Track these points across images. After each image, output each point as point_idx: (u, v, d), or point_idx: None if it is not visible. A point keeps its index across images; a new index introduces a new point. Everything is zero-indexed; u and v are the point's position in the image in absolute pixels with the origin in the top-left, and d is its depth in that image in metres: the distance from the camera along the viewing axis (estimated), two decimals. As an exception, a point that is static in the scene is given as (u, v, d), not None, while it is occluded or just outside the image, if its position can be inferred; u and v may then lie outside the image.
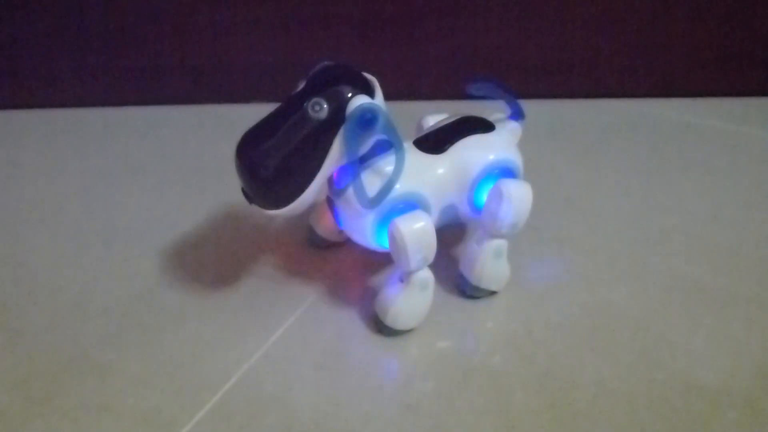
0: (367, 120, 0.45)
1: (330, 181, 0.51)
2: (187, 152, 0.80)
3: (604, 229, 0.65)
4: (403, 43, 0.86)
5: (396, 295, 0.51)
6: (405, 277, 0.51)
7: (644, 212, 0.67)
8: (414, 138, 0.54)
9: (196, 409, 0.47)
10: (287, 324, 0.54)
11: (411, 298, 0.51)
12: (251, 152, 0.45)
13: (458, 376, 0.49)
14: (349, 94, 0.45)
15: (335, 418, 0.46)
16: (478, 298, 0.55)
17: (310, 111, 0.45)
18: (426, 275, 0.51)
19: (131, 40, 0.86)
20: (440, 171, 0.51)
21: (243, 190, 0.47)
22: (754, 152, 0.79)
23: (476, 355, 0.51)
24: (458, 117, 0.56)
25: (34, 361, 0.51)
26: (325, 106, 0.45)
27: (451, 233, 0.62)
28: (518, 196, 0.51)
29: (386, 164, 0.49)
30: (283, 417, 0.46)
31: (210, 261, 0.61)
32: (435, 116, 0.58)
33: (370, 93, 0.47)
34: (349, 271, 0.59)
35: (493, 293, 0.56)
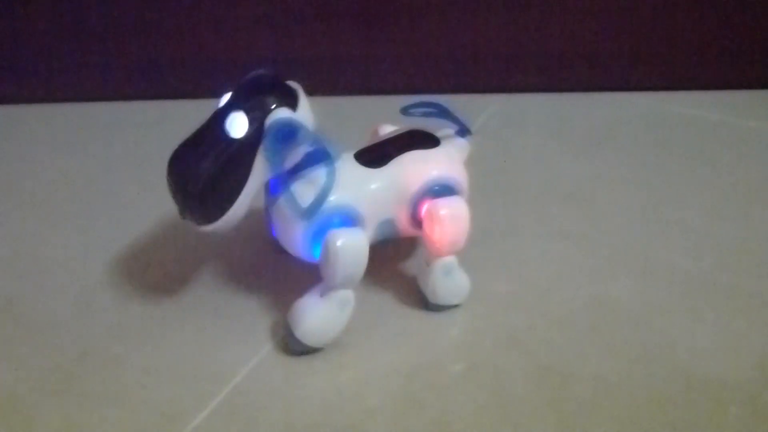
0: (285, 134, 0.45)
1: (266, 188, 0.51)
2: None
3: (608, 223, 0.65)
4: (405, 37, 0.86)
5: (313, 308, 0.50)
6: (326, 292, 0.49)
7: (648, 207, 0.68)
8: (357, 149, 0.53)
9: (206, 400, 0.48)
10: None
11: (328, 315, 0.49)
12: (179, 170, 0.45)
13: (459, 371, 0.50)
14: (271, 107, 0.45)
15: (340, 412, 0.47)
16: (441, 311, 0.55)
17: (228, 128, 0.44)
18: (348, 293, 0.49)
19: (147, 32, 0.87)
20: (377, 185, 0.50)
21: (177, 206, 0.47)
22: (759, 146, 0.79)
23: (477, 350, 0.52)
24: (405, 130, 0.55)
25: (47, 354, 0.52)
26: (245, 121, 0.44)
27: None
28: (452, 216, 0.50)
29: (319, 175, 0.47)
30: (290, 410, 0.47)
31: (221, 256, 0.62)
32: (389, 126, 0.57)
33: (293, 103, 0.46)
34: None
35: (456, 306, 0.55)
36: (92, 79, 0.90)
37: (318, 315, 0.49)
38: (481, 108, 0.83)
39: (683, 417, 0.46)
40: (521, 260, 0.60)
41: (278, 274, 0.59)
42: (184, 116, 0.87)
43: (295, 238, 0.49)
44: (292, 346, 0.51)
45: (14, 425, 0.47)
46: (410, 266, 0.60)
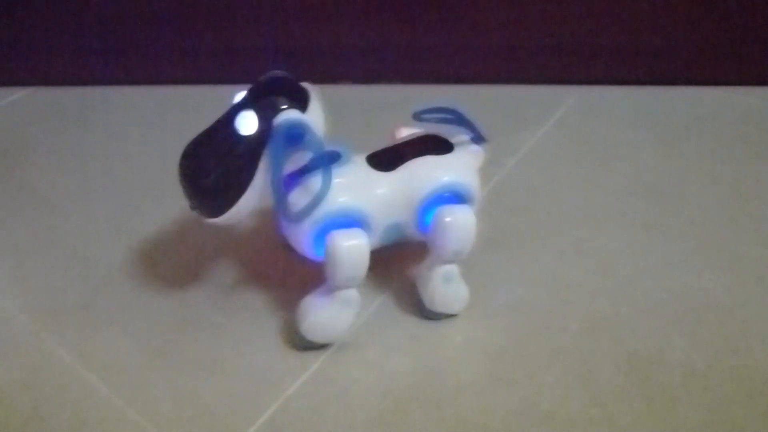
0: (292, 135, 0.45)
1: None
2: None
3: (692, 216, 0.65)
4: (479, 25, 0.86)
5: (319, 306, 0.50)
6: (330, 291, 0.50)
7: (733, 201, 0.67)
8: (371, 151, 0.53)
9: (301, 370, 0.50)
10: (388, 290, 0.57)
11: (332, 313, 0.50)
12: (190, 164, 0.46)
13: (547, 355, 0.52)
14: (281, 107, 0.46)
15: (431, 387, 0.49)
16: (437, 320, 0.55)
17: (238, 127, 0.45)
18: (352, 293, 0.50)
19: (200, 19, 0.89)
20: (386, 189, 0.50)
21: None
22: None
23: (562, 335, 0.53)
24: (421, 134, 0.55)
25: (151, 319, 0.55)
26: (255, 120, 0.45)
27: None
28: (459, 224, 0.50)
29: (318, 180, 0.48)
30: (381, 382, 0.50)
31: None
32: (409, 129, 0.56)
33: (304, 105, 0.47)
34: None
35: (451, 316, 0.55)
36: (166, 62, 0.92)
37: (322, 313, 0.50)
38: (560, 99, 0.84)
39: (772, 408, 0.46)
40: (605, 250, 0.61)
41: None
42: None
43: (300, 237, 0.50)
44: (298, 341, 0.52)
45: (123, 385, 0.50)
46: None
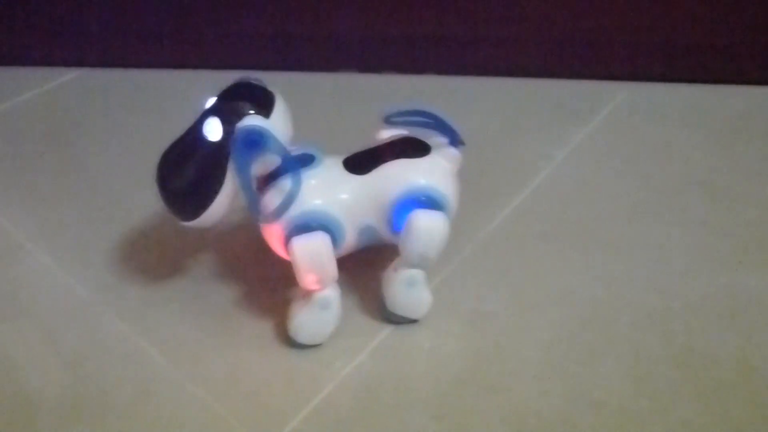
0: (251, 141, 0.46)
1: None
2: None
3: (743, 213, 0.65)
4: (528, 16, 0.86)
5: (299, 311, 0.51)
6: (305, 295, 0.51)
7: (785, 200, 0.67)
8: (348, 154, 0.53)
9: (357, 352, 0.52)
10: (436, 281, 0.57)
11: (311, 315, 0.51)
12: (163, 168, 0.48)
13: (597, 346, 0.52)
14: (248, 112, 0.47)
15: (481, 372, 0.50)
16: (398, 324, 0.54)
17: (204, 132, 0.47)
18: (327, 294, 0.50)
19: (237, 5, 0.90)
20: (356, 191, 0.50)
21: None
22: None
23: (613, 327, 0.54)
24: (397, 137, 0.54)
25: (210, 298, 0.57)
26: (219, 127, 0.46)
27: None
28: (428, 229, 0.49)
29: (287, 184, 0.48)
30: (434, 367, 0.51)
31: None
32: (390, 131, 0.55)
33: (269, 111, 0.47)
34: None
35: (413, 321, 0.54)
36: (200, 47, 0.93)
37: (302, 317, 0.51)
38: (610, 95, 0.84)
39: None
40: (656, 245, 0.61)
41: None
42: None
43: (272, 238, 0.50)
44: (292, 342, 0.52)
45: (182, 359, 0.52)
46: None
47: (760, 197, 0.67)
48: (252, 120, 0.46)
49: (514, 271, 0.59)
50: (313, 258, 0.48)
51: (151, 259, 0.61)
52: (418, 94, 0.84)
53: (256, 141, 0.46)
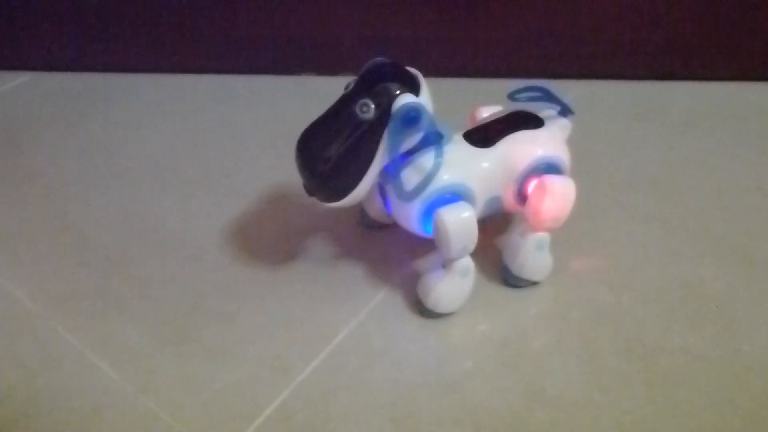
0: (410, 119, 0.48)
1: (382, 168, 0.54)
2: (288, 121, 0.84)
3: (691, 208, 0.66)
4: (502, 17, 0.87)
5: (438, 280, 0.53)
6: (446, 264, 0.53)
7: (729, 193, 0.69)
8: (465, 129, 0.56)
9: (312, 357, 0.51)
10: (391, 284, 0.58)
11: (452, 284, 0.53)
12: (309, 151, 0.48)
13: (549, 341, 0.53)
14: (396, 93, 0.48)
15: (439, 373, 0.50)
16: (520, 287, 0.57)
17: (358, 112, 0.48)
18: (467, 263, 0.53)
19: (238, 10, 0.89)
20: (487, 164, 0.53)
21: (303, 184, 0.50)
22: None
23: (565, 322, 0.54)
24: (510, 111, 0.57)
25: (161, 308, 0.56)
26: (372, 106, 0.47)
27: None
28: (561, 192, 0.53)
29: (428, 159, 0.50)
30: (390, 370, 0.51)
31: (320, 228, 0.65)
32: (489, 108, 0.59)
33: (416, 90, 0.49)
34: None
35: (535, 284, 0.57)
36: (204, 51, 0.92)
37: (443, 285, 0.53)
38: (560, 94, 0.84)
39: (770, 392, 0.48)
40: (606, 241, 0.62)
41: (374, 248, 0.62)
42: (280, 92, 0.90)
43: (410, 215, 0.52)
44: (427, 315, 0.55)
45: (136, 372, 0.51)
46: (491, 245, 0.62)
47: (708, 191, 0.69)
48: (408, 98, 0.48)
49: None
50: (463, 228, 0.50)
51: (102, 269, 0.60)
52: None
53: (414, 118, 0.48)
